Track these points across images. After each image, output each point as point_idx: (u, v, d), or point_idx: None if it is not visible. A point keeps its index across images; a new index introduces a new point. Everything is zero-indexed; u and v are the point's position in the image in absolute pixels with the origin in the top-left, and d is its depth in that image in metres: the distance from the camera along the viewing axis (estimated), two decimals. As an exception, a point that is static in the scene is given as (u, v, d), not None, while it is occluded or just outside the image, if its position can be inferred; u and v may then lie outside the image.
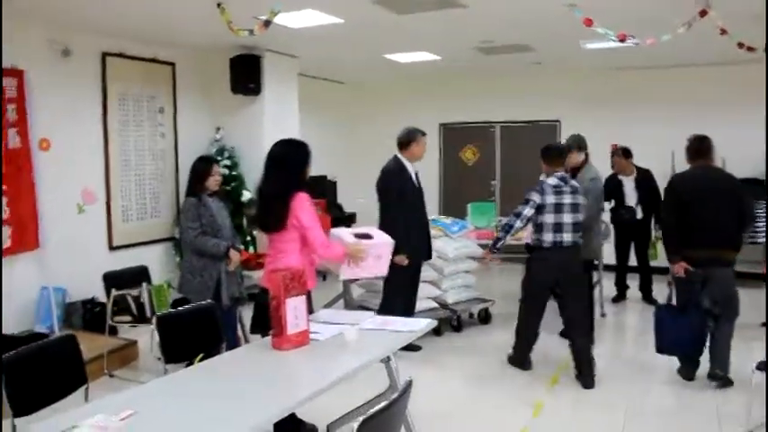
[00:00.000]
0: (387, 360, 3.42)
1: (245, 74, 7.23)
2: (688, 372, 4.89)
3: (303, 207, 3.58)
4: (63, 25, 5.90)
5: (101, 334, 5.33)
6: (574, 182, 5.12)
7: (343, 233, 3.91)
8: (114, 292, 5.12)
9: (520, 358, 5.25)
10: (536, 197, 4.90)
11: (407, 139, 5.40)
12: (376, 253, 3.85)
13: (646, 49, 7.03)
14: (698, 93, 8.63)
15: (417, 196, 5.45)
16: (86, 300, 6.01)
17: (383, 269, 4.01)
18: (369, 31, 6.43)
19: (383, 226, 4.91)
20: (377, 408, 2.22)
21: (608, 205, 7.30)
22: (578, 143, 5.75)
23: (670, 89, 8.84)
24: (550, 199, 4.87)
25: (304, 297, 3.12)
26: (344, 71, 9.55)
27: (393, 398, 2.33)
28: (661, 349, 4.89)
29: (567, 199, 4.92)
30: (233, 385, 2.71)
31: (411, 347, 5.40)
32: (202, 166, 4.94)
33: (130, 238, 6.70)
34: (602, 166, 8.13)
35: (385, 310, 5.21)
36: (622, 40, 5.23)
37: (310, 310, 3.81)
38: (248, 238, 7.23)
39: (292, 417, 3.78)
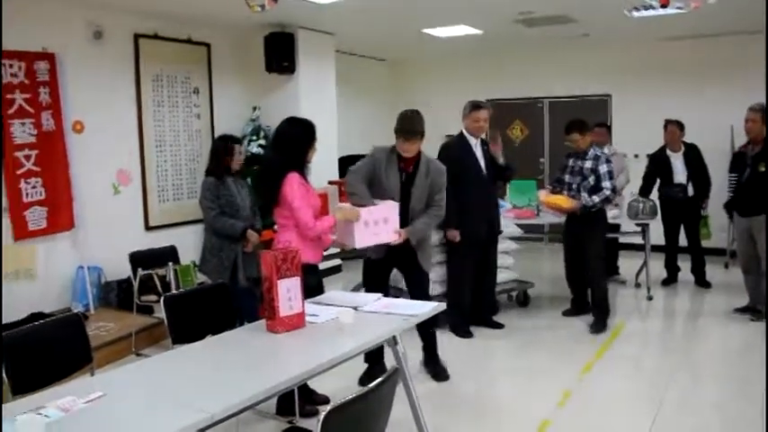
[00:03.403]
0: (393, 343, 3.29)
1: (279, 52, 7.14)
2: None
3: (291, 188, 3.61)
4: (94, 7, 5.92)
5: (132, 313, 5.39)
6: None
7: (346, 205, 3.87)
8: (141, 272, 5.16)
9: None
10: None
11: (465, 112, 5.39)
12: (382, 216, 3.79)
13: (696, 16, 6.60)
14: (754, 63, 8.03)
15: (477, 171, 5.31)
16: (122, 279, 6.09)
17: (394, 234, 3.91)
18: (405, 4, 6.23)
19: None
20: (347, 399, 2.10)
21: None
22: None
23: (725, 59, 8.27)
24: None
25: (298, 278, 3.00)
26: (384, 48, 9.33)
27: (368, 388, 2.20)
28: None
29: None
30: (213, 368, 2.63)
31: (495, 325, 5.62)
32: (223, 146, 4.90)
33: (166, 218, 6.74)
34: (654, 141, 7.72)
35: (450, 299, 5.23)
36: (665, 5, 4.91)
37: (317, 287, 3.76)
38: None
39: (305, 387, 3.83)
